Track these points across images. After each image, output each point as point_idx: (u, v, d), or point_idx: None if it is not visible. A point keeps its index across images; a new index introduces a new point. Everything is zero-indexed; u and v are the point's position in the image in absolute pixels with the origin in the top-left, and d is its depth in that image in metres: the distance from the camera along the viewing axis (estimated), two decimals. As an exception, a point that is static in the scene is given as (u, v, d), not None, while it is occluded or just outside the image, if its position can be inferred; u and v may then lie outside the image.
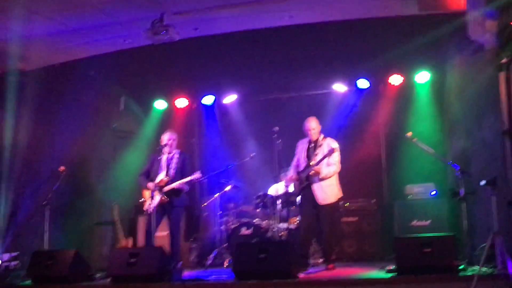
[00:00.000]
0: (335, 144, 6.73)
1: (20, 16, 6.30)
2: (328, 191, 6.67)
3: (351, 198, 8.22)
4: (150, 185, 6.92)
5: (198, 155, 9.93)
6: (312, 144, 6.88)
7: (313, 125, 6.86)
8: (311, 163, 6.67)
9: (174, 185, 6.97)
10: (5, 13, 6.22)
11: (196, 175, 7.02)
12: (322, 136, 6.90)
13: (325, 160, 6.63)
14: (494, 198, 5.24)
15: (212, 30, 7.06)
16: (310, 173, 6.66)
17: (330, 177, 6.68)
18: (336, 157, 6.71)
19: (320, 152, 6.72)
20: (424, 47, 7.53)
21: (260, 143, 8.99)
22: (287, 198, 7.56)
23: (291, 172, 7.03)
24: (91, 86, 8.55)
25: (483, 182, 5.39)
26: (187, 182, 7.01)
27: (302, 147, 6.99)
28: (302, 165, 6.88)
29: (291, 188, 7.42)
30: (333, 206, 6.76)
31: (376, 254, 7.83)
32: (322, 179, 6.64)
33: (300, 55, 8.42)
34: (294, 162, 7.04)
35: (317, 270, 6.63)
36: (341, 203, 8.15)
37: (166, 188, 6.94)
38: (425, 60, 8.25)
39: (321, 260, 7.13)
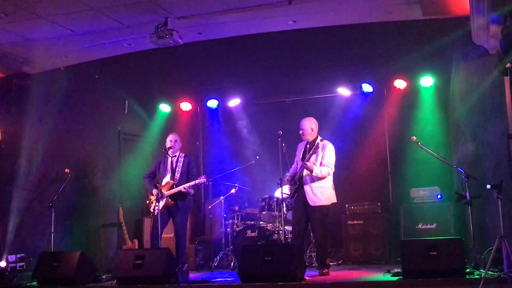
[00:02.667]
0: (328, 144, 6.63)
1: (25, 19, 6.32)
2: (318, 193, 6.48)
3: (357, 201, 8.23)
4: (155, 192, 6.96)
5: (203, 158, 9.94)
6: (308, 146, 6.78)
7: (302, 126, 6.75)
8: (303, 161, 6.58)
9: (178, 189, 7.00)
10: (10, 17, 6.24)
11: (201, 179, 7.05)
12: (319, 138, 6.77)
13: (318, 159, 6.53)
14: (500, 202, 5.24)
15: (216, 34, 7.07)
16: (304, 169, 6.52)
17: (322, 177, 6.48)
18: (330, 158, 6.57)
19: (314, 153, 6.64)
20: (429, 51, 7.55)
21: (264, 146, 9.01)
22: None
23: (288, 174, 6.90)
24: (96, 89, 8.60)
25: (489, 186, 5.40)
26: (192, 186, 7.03)
27: (300, 148, 6.91)
28: (298, 167, 6.82)
29: (285, 191, 7.34)
30: (324, 209, 6.53)
31: (381, 257, 7.82)
32: (313, 180, 6.50)
33: (304, 59, 8.43)
34: (294, 165, 6.94)
35: (313, 275, 6.38)
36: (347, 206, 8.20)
37: (169, 193, 6.97)
38: (429, 64, 8.24)
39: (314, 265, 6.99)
